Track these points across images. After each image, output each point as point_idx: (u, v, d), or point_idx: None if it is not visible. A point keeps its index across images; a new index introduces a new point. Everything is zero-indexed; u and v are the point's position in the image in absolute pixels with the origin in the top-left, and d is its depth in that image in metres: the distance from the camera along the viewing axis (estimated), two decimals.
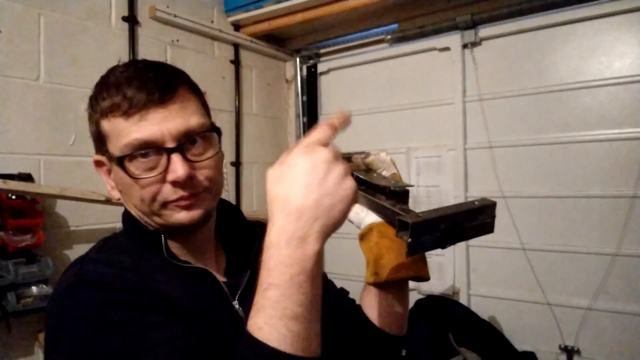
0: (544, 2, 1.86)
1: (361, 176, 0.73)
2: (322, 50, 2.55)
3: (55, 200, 1.58)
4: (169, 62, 2.02)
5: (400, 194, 0.69)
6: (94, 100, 0.70)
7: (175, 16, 2.01)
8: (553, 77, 1.90)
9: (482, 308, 2.01)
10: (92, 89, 0.70)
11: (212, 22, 2.24)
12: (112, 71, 0.70)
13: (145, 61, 0.72)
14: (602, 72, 1.80)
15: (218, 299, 0.70)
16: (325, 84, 2.55)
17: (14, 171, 1.48)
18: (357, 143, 2.48)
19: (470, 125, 2.08)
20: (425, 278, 0.76)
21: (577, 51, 1.85)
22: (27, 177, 1.48)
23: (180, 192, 0.67)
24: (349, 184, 0.54)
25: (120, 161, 0.66)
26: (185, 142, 0.67)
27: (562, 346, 1.85)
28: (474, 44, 2.05)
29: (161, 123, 0.65)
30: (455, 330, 1.89)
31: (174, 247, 0.72)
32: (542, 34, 1.92)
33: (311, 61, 2.54)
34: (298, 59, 2.54)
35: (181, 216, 0.68)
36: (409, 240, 0.57)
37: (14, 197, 1.42)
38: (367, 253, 0.76)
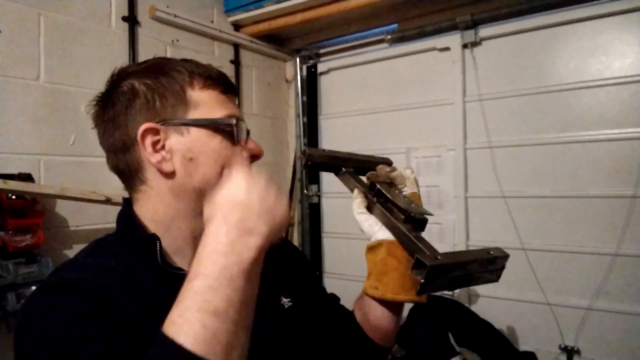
0: (544, 2, 1.86)
1: (383, 190, 0.73)
2: (322, 50, 2.54)
3: (55, 200, 1.58)
4: None
5: (418, 221, 0.70)
6: (171, 71, 0.70)
7: (175, 16, 2.01)
8: (553, 77, 1.90)
9: (482, 308, 2.01)
10: (144, 72, 0.71)
11: (212, 22, 2.23)
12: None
13: None
14: (602, 72, 1.80)
15: None
16: (325, 84, 2.55)
17: (14, 171, 1.48)
18: (357, 143, 2.48)
19: (470, 125, 2.08)
20: (423, 304, 0.76)
21: (577, 51, 1.85)
22: (27, 177, 1.48)
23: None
24: (285, 203, 0.55)
25: (221, 121, 0.69)
26: None
27: (562, 346, 1.85)
28: (474, 44, 2.05)
29: (238, 110, 0.73)
30: (455, 330, 1.89)
31: (171, 251, 0.70)
32: (542, 34, 1.92)
33: (311, 61, 2.54)
34: (298, 59, 2.54)
35: None
36: (422, 281, 0.58)
37: (14, 197, 1.42)
38: (371, 266, 0.76)
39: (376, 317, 0.80)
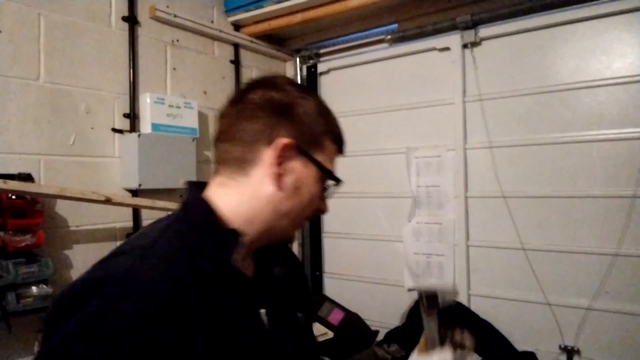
0: (544, 2, 1.86)
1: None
2: (322, 50, 2.54)
3: (55, 200, 1.58)
4: (168, 62, 2.03)
5: None
6: (328, 124, 0.79)
7: (175, 16, 2.01)
8: (553, 77, 1.90)
9: (482, 308, 2.01)
10: (317, 109, 0.78)
11: (212, 22, 2.24)
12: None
13: None
14: (602, 72, 1.80)
15: (249, 307, 0.70)
16: (325, 84, 2.55)
17: (14, 171, 1.48)
18: (357, 143, 2.48)
19: (470, 125, 2.08)
20: None
21: (577, 51, 1.85)
22: (27, 177, 1.48)
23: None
24: None
25: (333, 177, 0.77)
26: None
27: (562, 346, 1.85)
28: (474, 44, 2.05)
29: None
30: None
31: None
32: (542, 34, 1.92)
33: (311, 61, 2.54)
34: (298, 59, 2.54)
35: (293, 234, 0.79)
36: None
37: (14, 197, 1.42)
38: None
39: None
